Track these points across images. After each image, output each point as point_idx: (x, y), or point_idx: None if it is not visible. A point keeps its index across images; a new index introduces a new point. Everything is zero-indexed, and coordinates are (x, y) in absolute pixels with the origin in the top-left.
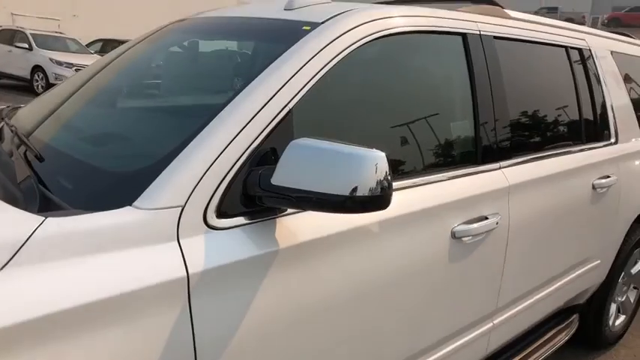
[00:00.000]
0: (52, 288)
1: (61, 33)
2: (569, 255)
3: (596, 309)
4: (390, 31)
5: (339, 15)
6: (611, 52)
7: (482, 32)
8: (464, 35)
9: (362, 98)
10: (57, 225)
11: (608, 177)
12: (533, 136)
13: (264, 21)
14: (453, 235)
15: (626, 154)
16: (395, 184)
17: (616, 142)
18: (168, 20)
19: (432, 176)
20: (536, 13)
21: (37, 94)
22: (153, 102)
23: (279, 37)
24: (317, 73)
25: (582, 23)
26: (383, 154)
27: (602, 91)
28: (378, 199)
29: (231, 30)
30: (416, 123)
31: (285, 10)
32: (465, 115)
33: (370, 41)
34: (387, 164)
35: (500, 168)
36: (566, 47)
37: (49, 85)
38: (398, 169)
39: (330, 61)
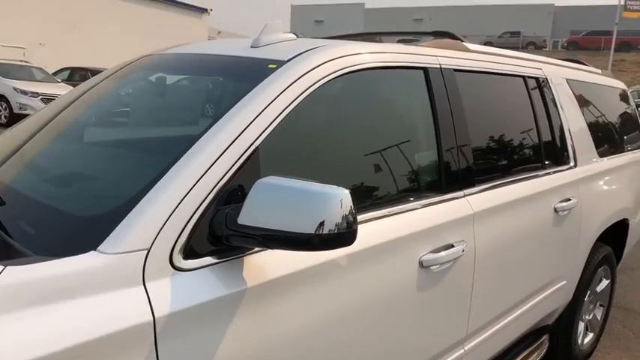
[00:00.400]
0: (14, 340)
1: (26, 61)
2: (536, 277)
3: (565, 328)
4: (355, 68)
5: (305, 53)
6: (567, 80)
7: (442, 66)
8: (425, 69)
9: (329, 133)
10: (17, 273)
11: (569, 200)
12: (495, 163)
13: (231, 59)
14: (421, 265)
15: (585, 177)
16: (363, 216)
17: (575, 166)
18: (136, 49)
19: (399, 207)
20: (500, 37)
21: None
22: (118, 141)
23: (246, 75)
24: (283, 111)
25: (543, 46)
26: (347, 192)
27: (560, 117)
28: (344, 236)
29: (197, 67)
30: (382, 155)
31: (251, 47)
32: (429, 146)
33: (336, 78)
34: (351, 201)
35: (464, 196)
36: (523, 77)
37: (12, 115)
38: (366, 202)
39: (296, 99)
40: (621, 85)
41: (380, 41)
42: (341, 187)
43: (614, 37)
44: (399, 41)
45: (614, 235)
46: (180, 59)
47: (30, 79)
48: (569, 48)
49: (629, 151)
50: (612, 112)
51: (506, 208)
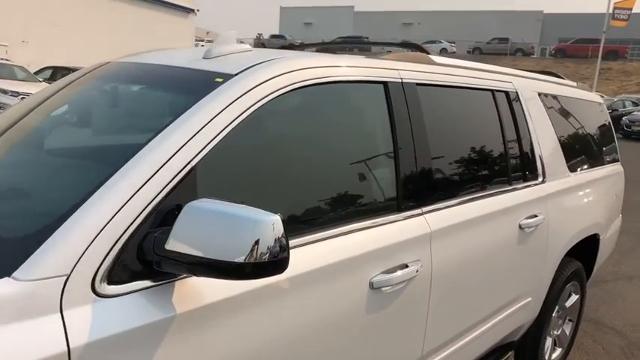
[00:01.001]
0: None
1: (7, 60)
2: (498, 295)
3: (532, 344)
4: (309, 82)
5: (255, 66)
6: (539, 93)
7: (404, 80)
8: (385, 83)
9: (277, 152)
10: None
11: (536, 216)
12: (458, 179)
13: (181, 71)
14: (371, 286)
15: (554, 192)
16: (311, 237)
17: (544, 181)
18: (120, 48)
19: (351, 226)
20: (488, 43)
21: None
22: (48, 157)
23: (191, 88)
24: (225, 128)
25: (531, 53)
26: (278, 217)
27: (529, 132)
28: (275, 264)
29: (148, 78)
30: (334, 173)
31: (203, 59)
32: (386, 162)
33: (287, 92)
34: (282, 227)
35: (422, 214)
36: (492, 90)
37: None
38: (315, 221)
39: (241, 115)
40: (597, 98)
41: (356, 53)
42: (272, 213)
43: (602, 45)
44: (361, 54)
45: (585, 250)
46: (134, 69)
47: (11, 77)
48: (557, 55)
49: (603, 165)
50: (586, 126)
51: (467, 225)
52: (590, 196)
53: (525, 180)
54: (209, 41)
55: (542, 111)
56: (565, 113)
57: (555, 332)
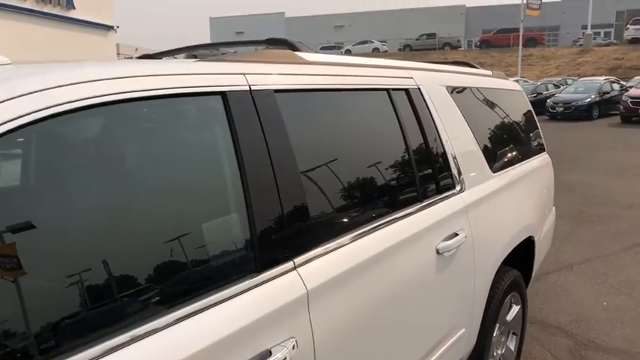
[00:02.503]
0: None
1: None
2: (419, 341)
3: None
4: (73, 105)
5: None
6: (447, 87)
7: (254, 87)
8: (224, 94)
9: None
10: None
11: (456, 234)
12: (345, 210)
13: None
14: None
15: (476, 202)
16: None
17: (462, 190)
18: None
19: (172, 315)
20: (417, 39)
21: None
22: None
23: None
24: None
25: (459, 46)
26: None
27: (439, 135)
28: None
29: None
30: (134, 232)
31: None
32: (229, 206)
33: (41, 120)
34: None
35: (294, 267)
36: (387, 90)
37: None
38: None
39: None
40: (516, 86)
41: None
42: None
43: (521, 33)
44: (192, 56)
45: (520, 254)
46: None
47: None
48: (482, 46)
49: (530, 158)
50: (507, 117)
51: (362, 269)
52: (520, 197)
53: (439, 192)
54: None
55: (452, 107)
56: (481, 106)
57: (499, 352)
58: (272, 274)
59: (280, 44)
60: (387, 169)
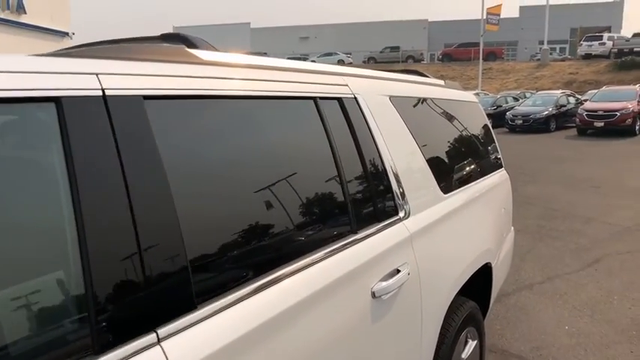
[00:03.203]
0: None
1: None
2: None
3: None
4: None
5: None
6: (391, 97)
7: (110, 92)
8: (58, 101)
9: None
10: None
11: (398, 271)
12: (243, 254)
13: None
14: None
15: (424, 229)
16: None
17: (406, 216)
18: None
19: None
20: (381, 52)
21: None
22: None
23: None
24: None
25: (421, 59)
26: None
27: (378, 152)
28: None
29: None
30: None
31: None
32: (57, 261)
33: None
34: None
35: (158, 342)
36: (314, 98)
37: None
38: None
39: None
40: (471, 97)
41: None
42: None
43: (481, 47)
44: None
45: (476, 282)
46: None
47: None
48: (444, 60)
49: (486, 175)
50: (461, 131)
51: (262, 334)
52: (476, 220)
53: (378, 220)
54: None
55: (396, 120)
56: (432, 119)
57: None
58: (119, 355)
59: (174, 39)
60: (309, 195)
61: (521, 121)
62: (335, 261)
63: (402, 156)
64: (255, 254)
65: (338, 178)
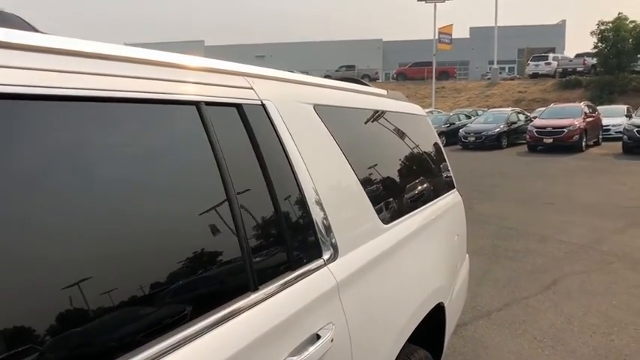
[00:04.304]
0: None
1: None
2: None
3: None
4: None
5: None
6: (316, 106)
7: None
8: None
9: None
10: None
11: (318, 337)
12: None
13: None
14: None
15: (356, 273)
16: None
17: (332, 258)
18: None
19: None
20: (337, 70)
21: None
22: None
23: None
24: None
25: (377, 78)
26: None
27: (294, 174)
28: None
29: None
30: None
31: None
32: None
33: None
34: None
35: None
36: (196, 104)
37: None
38: None
39: None
40: (418, 110)
41: None
42: None
43: (434, 67)
44: None
45: (426, 324)
46: None
47: None
48: (398, 79)
49: (436, 198)
50: (406, 147)
51: None
52: (424, 253)
53: (291, 267)
54: None
55: (322, 135)
56: (371, 134)
57: None
58: None
59: None
60: (183, 240)
61: (473, 138)
62: (218, 338)
63: (329, 180)
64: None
65: (230, 214)
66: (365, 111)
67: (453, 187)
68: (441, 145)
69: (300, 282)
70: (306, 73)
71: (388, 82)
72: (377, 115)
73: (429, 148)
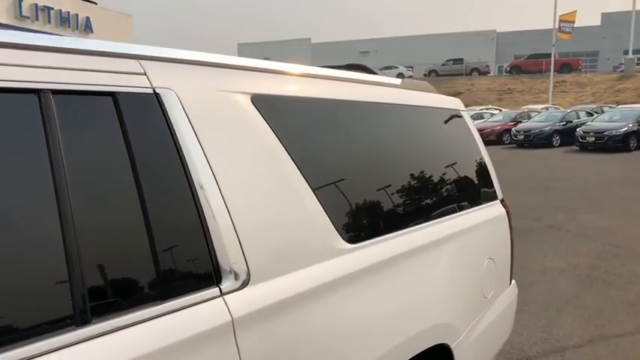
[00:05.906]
0: None
1: None
2: None
3: None
4: None
5: None
6: (253, 97)
7: None
8: None
9: None
10: None
11: None
12: None
13: None
14: None
15: (279, 305)
16: None
17: (240, 285)
18: None
19: None
20: (444, 64)
21: None
22: None
23: None
24: None
25: (487, 72)
26: None
27: (188, 177)
28: None
29: None
30: None
31: None
32: None
33: None
34: None
35: None
36: (37, 91)
37: None
38: None
39: None
40: (449, 103)
41: None
42: None
43: (553, 58)
44: None
45: None
46: None
47: None
48: (512, 72)
49: (454, 213)
50: (411, 149)
51: None
52: (417, 279)
53: (161, 297)
54: None
55: (254, 132)
56: (353, 132)
57: None
58: None
59: None
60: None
61: (593, 139)
62: None
63: (253, 187)
64: None
65: (57, 222)
66: (347, 103)
67: (494, 199)
68: (481, 147)
69: (169, 316)
70: (410, 67)
71: (500, 75)
72: (370, 110)
73: (455, 150)
